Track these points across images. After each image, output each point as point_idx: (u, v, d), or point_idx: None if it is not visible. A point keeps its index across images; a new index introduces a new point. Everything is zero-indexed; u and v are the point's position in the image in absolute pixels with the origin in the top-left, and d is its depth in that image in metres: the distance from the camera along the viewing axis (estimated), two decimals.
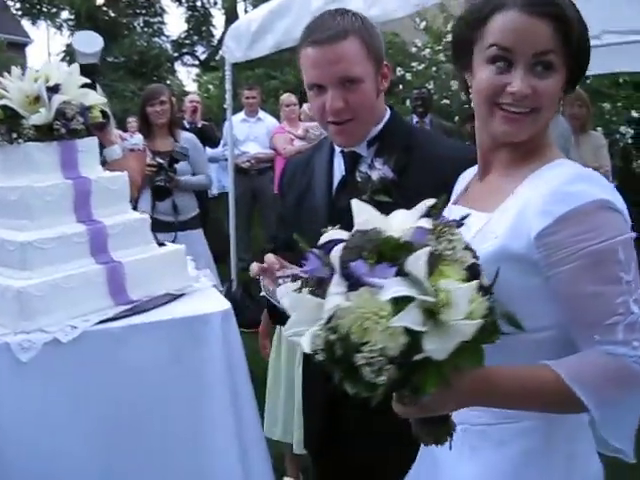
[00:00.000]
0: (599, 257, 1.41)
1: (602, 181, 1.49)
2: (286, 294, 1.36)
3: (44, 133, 2.43)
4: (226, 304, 2.54)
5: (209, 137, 8.32)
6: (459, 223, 1.38)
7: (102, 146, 3.37)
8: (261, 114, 8.95)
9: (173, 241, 5.13)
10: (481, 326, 1.25)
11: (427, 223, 1.32)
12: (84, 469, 2.29)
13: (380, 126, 2.22)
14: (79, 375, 2.28)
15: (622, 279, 1.40)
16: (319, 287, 1.32)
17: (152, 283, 2.54)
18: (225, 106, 7.23)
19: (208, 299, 2.61)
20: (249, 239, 8.72)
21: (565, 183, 1.46)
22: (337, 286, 1.28)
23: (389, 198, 2.05)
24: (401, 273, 1.24)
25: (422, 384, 1.26)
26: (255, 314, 5.98)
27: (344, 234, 1.36)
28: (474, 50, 1.61)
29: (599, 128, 7.31)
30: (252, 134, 8.64)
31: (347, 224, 1.78)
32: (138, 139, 5.61)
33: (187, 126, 8.25)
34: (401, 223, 1.35)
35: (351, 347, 1.23)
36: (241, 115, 8.81)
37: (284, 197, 2.46)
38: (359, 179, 2.15)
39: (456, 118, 8.75)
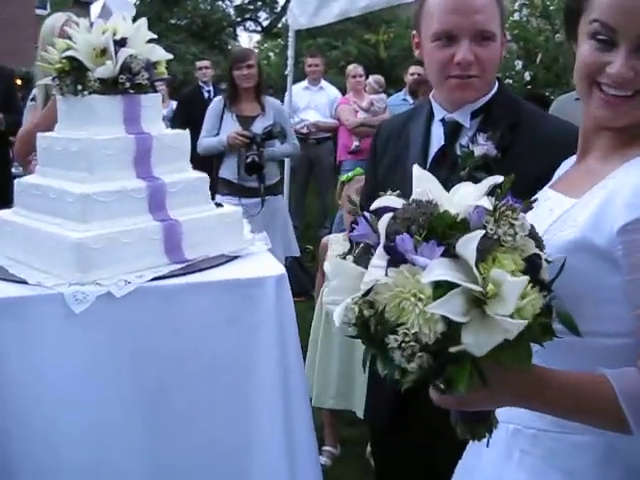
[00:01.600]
0: None
1: None
2: (330, 259, 1.30)
3: (109, 86, 2.41)
4: (280, 269, 2.51)
5: None
6: (526, 208, 1.23)
7: None
8: (323, 83, 8.86)
9: (261, 206, 5.21)
10: (531, 325, 1.13)
11: (488, 203, 1.19)
12: (129, 426, 2.30)
13: (488, 97, 2.11)
14: (131, 330, 2.27)
15: None
16: (367, 254, 1.22)
17: (208, 243, 2.52)
18: (286, 73, 7.18)
19: (263, 263, 2.58)
20: (303, 207, 8.72)
21: None
22: (380, 258, 1.17)
23: (489, 176, 1.97)
24: (450, 254, 1.13)
25: (455, 379, 1.15)
26: (304, 283, 6.03)
27: (400, 201, 1.25)
28: (580, 20, 1.48)
29: None
30: (313, 102, 8.56)
31: None
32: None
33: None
34: (463, 198, 1.23)
35: (385, 326, 1.14)
36: (304, 83, 8.76)
37: (376, 164, 2.34)
38: (459, 152, 2.06)
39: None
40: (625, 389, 1.25)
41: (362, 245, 1.25)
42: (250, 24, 22.96)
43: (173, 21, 20.07)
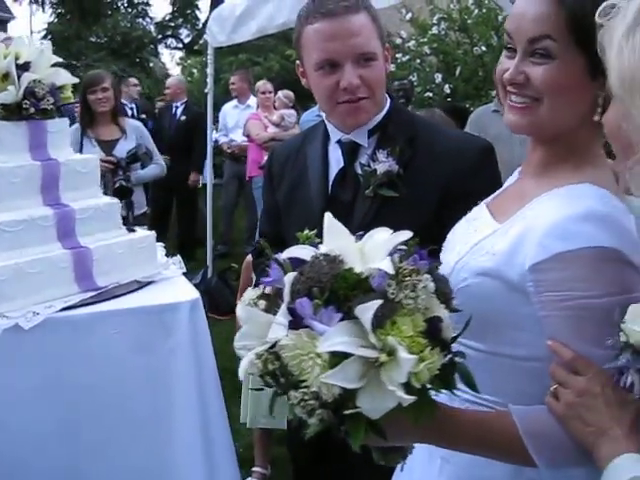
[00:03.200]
0: (588, 314, 1.24)
1: (621, 225, 1.27)
2: (241, 305, 1.28)
3: (12, 112, 2.36)
4: (194, 293, 2.48)
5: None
6: (431, 267, 1.20)
7: None
8: (251, 101, 8.77)
9: None
10: (429, 384, 1.14)
11: (390, 266, 1.16)
12: (39, 458, 2.24)
13: (382, 114, 2.09)
14: (41, 363, 2.22)
15: (612, 344, 1.18)
16: (278, 298, 1.20)
17: (120, 270, 2.48)
18: (206, 91, 7.14)
19: (177, 287, 2.56)
20: (231, 224, 8.68)
21: (572, 217, 1.27)
22: (283, 316, 1.16)
23: (395, 192, 1.95)
24: (350, 316, 1.12)
25: (351, 436, 1.16)
26: (230, 300, 5.99)
27: (309, 252, 1.22)
28: None
29: None
30: (242, 120, 8.43)
31: (345, 218, 1.66)
32: None
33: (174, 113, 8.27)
34: (374, 249, 1.21)
35: (288, 381, 1.15)
36: (233, 102, 8.74)
37: (274, 188, 2.28)
38: (360, 172, 2.04)
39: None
40: (528, 428, 1.26)
41: (274, 290, 1.23)
42: (171, 41, 22.85)
43: (93, 39, 19.82)
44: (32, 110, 2.36)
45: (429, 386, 1.15)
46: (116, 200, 2.59)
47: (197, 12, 22.43)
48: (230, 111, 8.44)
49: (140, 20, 21.88)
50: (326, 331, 1.11)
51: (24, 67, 2.37)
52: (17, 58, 2.37)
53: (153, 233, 2.67)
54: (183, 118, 8.40)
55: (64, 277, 2.34)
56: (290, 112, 8.06)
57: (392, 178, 1.98)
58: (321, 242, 1.25)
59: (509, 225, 1.41)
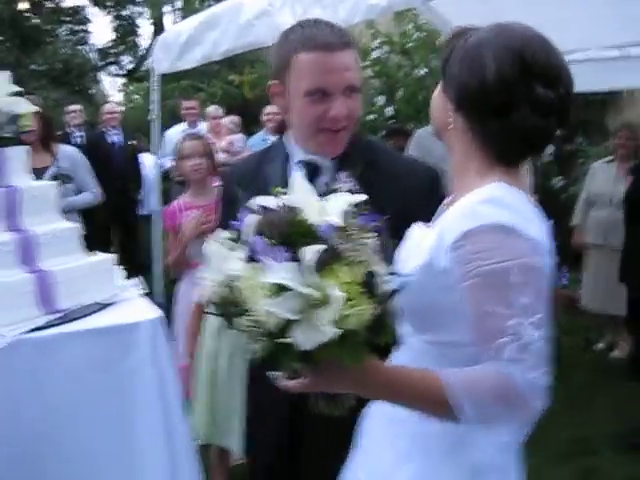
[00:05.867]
0: (490, 278, 1.43)
1: (518, 207, 1.51)
2: (209, 242, 1.44)
3: None
4: (156, 312, 2.55)
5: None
6: (376, 228, 1.44)
7: None
8: (201, 125, 8.88)
9: None
10: (358, 332, 1.32)
11: (339, 220, 1.39)
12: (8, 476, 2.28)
13: None
14: (5, 384, 2.27)
15: (514, 302, 1.41)
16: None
17: (81, 292, 2.54)
18: (153, 117, 7.16)
19: (137, 308, 2.62)
20: None
21: (477, 202, 1.50)
22: (242, 251, 1.38)
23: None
24: (296, 259, 1.32)
25: (283, 363, 1.38)
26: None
27: (276, 203, 1.46)
28: None
29: None
30: None
31: None
32: None
33: (113, 139, 8.23)
34: (330, 208, 1.44)
35: (238, 309, 1.33)
36: (181, 126, 8.77)
37: (232, 204, 2.30)
38: (323, 191, 2.14)
39: (381, 133, 8.89)
40: (462, 386, 1.42)
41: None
42: (114, 68, 22.74)
43: (33, 67, 19.63)
44: None
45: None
46: (76, 224, 2.65)
47: (139, 39, 22.41)
48: (178, 136, 8.44)
49: (81, 47, 21.76)
50: (274, 267, 1.30)
51: None
52: None
53: (112, 256, 2.74)
54: (118, 145, 8.41)
55: (27, 300, 2.40)
56: (238, 137, 8.16)
57: None
58: None
59: (437, 224, 1.62)
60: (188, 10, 14.83)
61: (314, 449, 2.24)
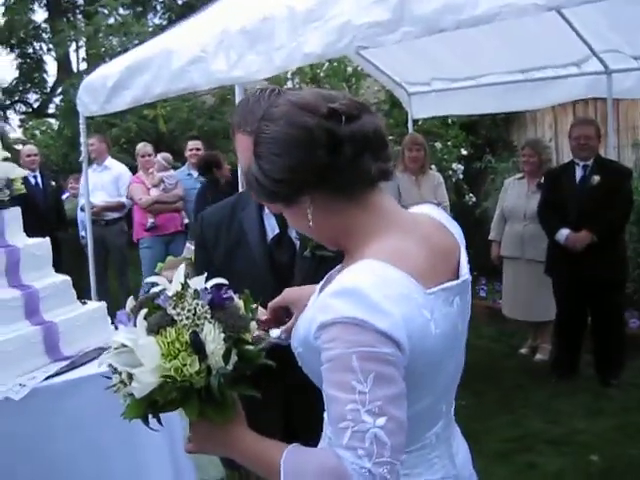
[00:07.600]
0: (335, 364, 1.49)
1: (366, 298, 1.52)
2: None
3: None
4: None
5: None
6: (201, 295, 1.63)
7: None
8: (108, 162, 8.84)
9: None
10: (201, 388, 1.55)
11: (169, 291, 1.61)
12: None
13: None
14: (24, 428, 2.46)
15: (354, 388, 1.46)
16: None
17: (81, 339, 2.76)
18: (80, 159, 7.22)
19: None
20: (106, 288, 8.65)
21: (331, 294, 1.54)
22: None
23: (330, 252, 2.12)
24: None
25: (131, 413, 1.55)
26: None
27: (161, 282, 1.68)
28: None
29: (433, 166, 7.92)
30: (100, 182, 8.50)
31: (287, 276, 2.15)
32: None
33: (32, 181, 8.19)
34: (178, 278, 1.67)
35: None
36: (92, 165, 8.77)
37: (208, 250, 2.50)
38: (296, 235, 2.34)
39: None
40: (292, 464, 1.52)
41: None
42: (20, 106, 22.26)
43: None
44: None
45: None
46: (68, 277, 2.85)
47: (45, 75, 21.98)
48: (89, 174, 8.35)
49: None
50: (121, 330, 1.56)
51: None
52: None
53: (104, 304, 2.96)
54: (41, 187, 8.42)
55: (35, 350, 2.61)
56: (169, 174, 8.19)
57: None
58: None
59: (318, 299, 1.68)
60: (91, 49, 14.69)
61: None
